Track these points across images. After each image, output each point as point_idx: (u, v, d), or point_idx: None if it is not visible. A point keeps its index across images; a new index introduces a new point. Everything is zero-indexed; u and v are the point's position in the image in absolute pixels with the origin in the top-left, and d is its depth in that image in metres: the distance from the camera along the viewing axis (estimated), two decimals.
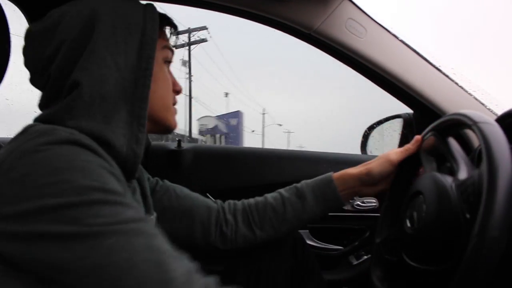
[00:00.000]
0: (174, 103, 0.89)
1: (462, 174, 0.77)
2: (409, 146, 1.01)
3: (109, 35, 0.73)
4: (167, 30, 0.89)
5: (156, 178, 1.05)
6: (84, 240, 0.53)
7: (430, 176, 0.82)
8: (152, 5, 0.81)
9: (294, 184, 1.08)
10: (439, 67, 1.28)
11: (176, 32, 0.92)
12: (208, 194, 1.53)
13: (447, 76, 1.28)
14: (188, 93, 23.02)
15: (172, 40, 0.92)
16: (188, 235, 1.02)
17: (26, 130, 0.65)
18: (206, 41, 25.47)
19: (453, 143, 0.87)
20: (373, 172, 1.02)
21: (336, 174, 1.06)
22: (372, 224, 1.51)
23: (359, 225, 1.56)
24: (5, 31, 1.02)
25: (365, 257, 1.53)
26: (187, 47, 24.43)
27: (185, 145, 1.57)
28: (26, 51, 0.78)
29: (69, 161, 0.58)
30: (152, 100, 0.77)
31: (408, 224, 0.83)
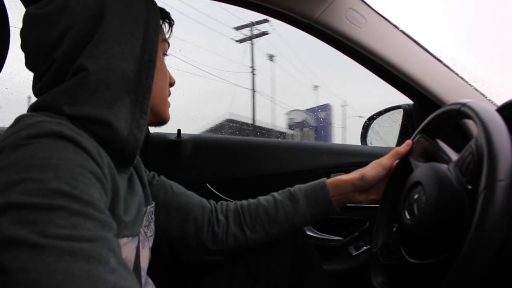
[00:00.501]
0: (169, 95, 0.91)
1: (456, 156, 0.78)
2: (400, 150, 1.02)
3: (118, 25, 0.73)
4: (166, 24, 0.90)
5: (153, 172, 1.07)
6: (31, 250, 0.49)
7: (428, 166, 0.82)
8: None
9: (288, 188, 1.10)
10: (439, 58, 1.27)
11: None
12: (207, 185, 1.53)
13: (447, 66, 1.27)
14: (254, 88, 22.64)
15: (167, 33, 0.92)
16: (181, 232, 1.03)
17: (17, 122, 0.64)
18: (267, 33, 24.65)
19: (441, 143, 0.89)
20: (366, 177, 1.03)
21: (330, 180, 1.07)
22: (372, 215, 1.51)
23: (358, 216, 1.56)
24: (4, 19, 1.02)
25: (365, 247, 1.54)
26: (251, 41, 23.77)
27: (184, 135, 1.57)
28: (26, 34, 0.76)
29: (44, 159, 0.55)
30: (153, 92, 0.78)
31: (407, 216, 0.83)
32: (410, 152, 1.00)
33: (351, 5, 1.21)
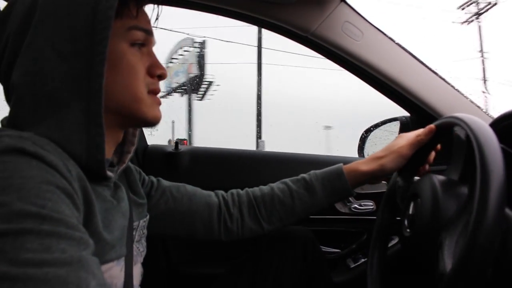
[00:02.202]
0: (153, 90, 0.76)
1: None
2: (422, 137, 0.94)
3: (51, 22, 0.64)
4: (145, 9, 0.76)
5: (151, 180, 1.00)
6: (1, 282, 0.44)
7: (426, 177, 0.83)
8: None
9: (302, 176, 1.05)
10: (435, 70, 1.29)
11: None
12: None
13: (443, 79, 1.29)
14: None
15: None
16: (189, 235, 1.00)
17: None
18: (496, 4, 19.67)
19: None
20: (386, 169, 0.98)
21: (346, 167, 1.02)
22: (370, 227, 1.51)
23: (356, 228, 1.55)
24: None
25: (363, 260, 1.53)
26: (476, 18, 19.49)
27: (182, 147, 1.57)
28: None
29: (5, 179, 0.50)
30: (115, 92, 0.69)
31: (407, 228, 0.84)
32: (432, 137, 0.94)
33: (348, 19, 1.23)
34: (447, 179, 0.79)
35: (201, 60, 21.83)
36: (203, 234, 1.00)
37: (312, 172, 1.05)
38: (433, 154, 0.99)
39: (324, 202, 1.02)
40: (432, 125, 0.92)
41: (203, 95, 23.14)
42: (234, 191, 1.06)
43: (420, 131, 0.96)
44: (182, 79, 22.50)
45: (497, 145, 0.64)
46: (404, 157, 0.96)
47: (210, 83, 22.94)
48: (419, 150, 0.96)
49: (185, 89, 22.53)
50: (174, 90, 23.68)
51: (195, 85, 22.46)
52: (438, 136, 0.92)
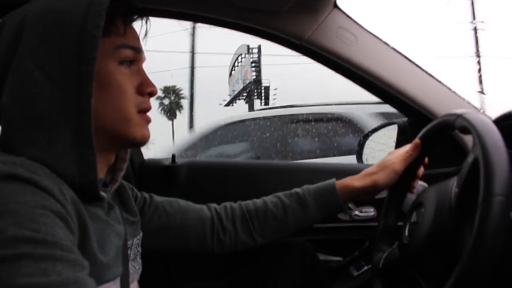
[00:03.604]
0: (143, 109, 0.75)
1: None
2: (411, 152, 0.98)
3: (38, 43, 0.64)
4: (134, 25, 0.75)
5: (144, 196, 0.99)
6: None
7: (433, 188, 0.83)
8: None
9: (295, 190, 1.06)
10: (431, 73, 1.29)
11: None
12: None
13: (439, 81, 1.29)
14: None
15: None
16: (183, 249, 1.01)
17: None
18: None
19: None
20: (379, 184, 1.00)
21: (339, 183, 1.03)
22: (371, 233, 1.50)
23: (358, 235, 1.54)
24: None
25: (366, 267, 1.51)
26: None
27: (179, 160, 1.55)
28: None
29: (0, 205, 0.52)
30: (104, 112, 0.69)
31: (407, 235, 0.84)
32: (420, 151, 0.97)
33: (341, 24, 1.23)
34: (452, 189, 0.79)
35: (256, 66, 22.14)
36: (196, 247, 1.01)
37: (305, 186, 1.07)
38: (422, 169, 1.02)
39: (316, 217, 1.04)
40: (417, 140, 0.97)
41: (266, 100, 23.34)
42: (227, 204, 1.06)
43: (408, 146, 0.99)
44: (240, 86, 22.80)
45: (501, 141, 0.64)
46: (397, 173, 0.99)
47: (267, 87, 23.20)
48: (409, 166, 0.99)
49: (246, 95, 22.83)
50: (235, 98, 23.94)
51: (255, 92, 22.76)
52: (428, 147, 0.96)
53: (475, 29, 18.55)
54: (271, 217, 1.02)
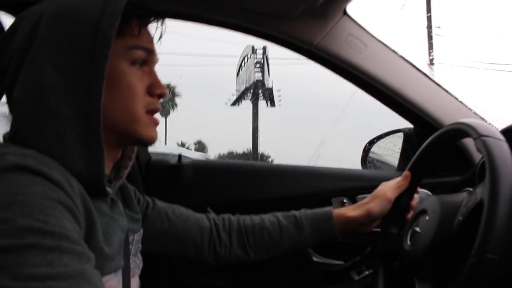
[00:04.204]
0: (152, 110, 0.76)
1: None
2: (402, 183, 1.01)
3: (53, 39, 0.65)
4: (149, 27, 0.76)
5: (147, 200, 1.01)
6: None
7: (439, 199, 0.83)
8: None
9: (293, 212, 1.08)
10: (438, 82, 1.29)
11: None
12: (209, 208, 1.52)
13: (447, 91, 1.29)
14: None
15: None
16: (181, 255, 1.02)
17: None
18: None
19: None
20: (373, 213, 1.02)
21: (335, 211, 1.06)
22: (373, 239, 1.50)
23: (360, 239, 1.54)
24: None
25: (367, 272, 1.52)
26: None
27: (185, 160, 1.56)
28: None
29: (9, 196, 0.52)
30: (113, 111, 0.69)
31: (408, 242, 0.84)
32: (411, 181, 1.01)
33: (351, 31, 1.24)
34: (456, 215, 0.79)
35: (260, 66, 22.12)
36: (193, 255, 1.03)
37: (303, 210, 1.09)
38: (415, 199, 1.04)
39: (310, 241, 1.06)
40: (407, 172, 1.01)
41: (271, 100, 23.26)
42: (225, 216, 1.08)
43: (399, 178, 1.03)
44: (244, 86, 22.80)
45: (510, 157, 0.64)
46: (389, 201, 1.01)
47: (270, 89, 23.15)
48: (403, 198, 1.02)
49: (252, 95, 22.80)
50: (240, 98, 23.90)
51: (261, 92, 22.69)
52: (418, 177, 0.99)
53: (430, 35, 17.95)
54: (266, 235, 1.04)
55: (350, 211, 1.05)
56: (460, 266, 0.63)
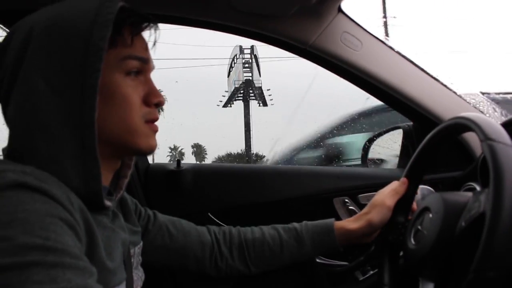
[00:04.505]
0: (151, 119, 0.74)
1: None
2: (399, 189, 1.00)
3: (43, 54, 0.64)
4: (144, 36, 0.74)
5: (148, 214, 1.00)
6: None
7: (440, 194, 0.82)
8: (110, 3, 0.67)
9: (294, 225, 1.07)
10: (436, 77, 1.28)
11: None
12: (210, 214, 1.51)
13: (445, 85, 1.28)
14: None
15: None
16: (182, 268, 1.02)
17: None
18: None
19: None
20: (374, 223, 1.00)
21: (337, 224, 1.04)
22: (377, 238, 1.49)
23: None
24: None
25: (371, 272, 1.51)
26: None
27: (184, 165, 1.55)
28: None
29: (10, 213, 0.52)
30: (109, 123, 0.68)
31: (412, 240, 0.84)
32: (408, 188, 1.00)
33: (346, 29, 1.23)
34: (459, 196, 0.79)
35: (248, 66, 22.19)
36: (195, 268, 1.02)
37: (304, 223, 1.08)
38: (415, 205, 1.02)
39: (311, 254, 1.05)
40: (404, 178, 1.00)
41: (262, 100, 23.30)
42: (226, 229, 1.07)
43: (395, 183, 1.02)
44: (234, 86, 22.88)
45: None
46: (388, 208, 0.99)
47: (259, 88, 23.21)
48: (402, 205, 1.00)
49: (242, 96, 22.89)
50: (231, 98, 23.94)
51: (250, 92, 22.77)
52: (415, 184, 0.98)
53: (386, 24, 17.69)
54: (267, 250, 1.03)
55: (351, 223, 1.04)
56: (461, 272, 0.62)
